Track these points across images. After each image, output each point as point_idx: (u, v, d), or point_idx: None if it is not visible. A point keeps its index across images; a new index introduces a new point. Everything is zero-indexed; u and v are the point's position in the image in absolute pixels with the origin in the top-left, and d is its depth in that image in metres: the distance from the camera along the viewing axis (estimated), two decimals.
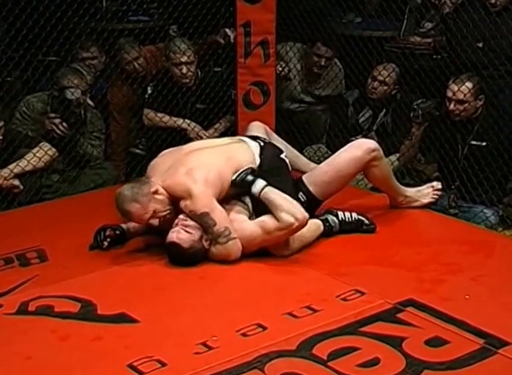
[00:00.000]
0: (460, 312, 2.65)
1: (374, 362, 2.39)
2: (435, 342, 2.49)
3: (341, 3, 4.40)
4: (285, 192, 3.07)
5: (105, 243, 3.16)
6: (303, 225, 3.00)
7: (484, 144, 3.74)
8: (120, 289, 2.89)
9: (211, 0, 4.14)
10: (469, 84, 3.67)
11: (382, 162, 3.34)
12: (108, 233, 3.18)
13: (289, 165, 3.29)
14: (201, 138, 4.20)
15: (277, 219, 2.97)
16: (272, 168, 3.17)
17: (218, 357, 2.42)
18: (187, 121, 4.25)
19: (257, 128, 3.53)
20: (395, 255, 3.13)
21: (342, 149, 3.33)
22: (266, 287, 2.89)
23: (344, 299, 2.77)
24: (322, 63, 4.48)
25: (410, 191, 3.51)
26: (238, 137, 3.38)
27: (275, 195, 3.02)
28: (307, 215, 3.01)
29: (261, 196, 3.02)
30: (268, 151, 3.24)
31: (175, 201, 3.03)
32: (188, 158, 3.11)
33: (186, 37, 4.24)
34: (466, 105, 3.70)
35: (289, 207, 2.98)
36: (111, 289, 2.89)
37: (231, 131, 4.28)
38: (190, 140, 4.20)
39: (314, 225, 3.19)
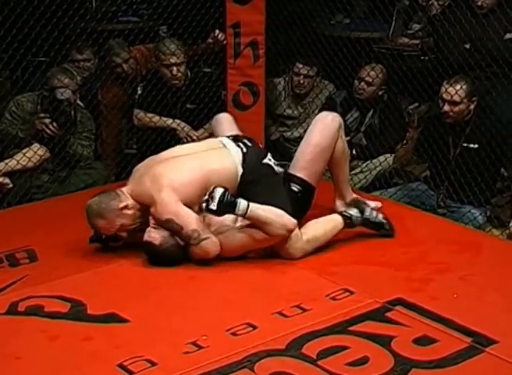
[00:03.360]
0: (448, 311, 2.67)
1: (363, 361, 2.41)
2: (423, 341, 2.51)
3: (329, 4, 4.42)
4: (273, 200, 3.02)
5: (103, 236, 3.20)
6: (292, 231, 3.00)
7: (474, 146, 3.75)
8: (110, 289, 2.89)
9: (200, 1, 4.15)
10: (463, 86, 3.68)
11: (343, 134, 3.32)
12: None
13: (274, 167, 3.19)
14: (191, 138, 4.21)
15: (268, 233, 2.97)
16: (255, 177, 3.10)
17: (208, 356, 2.43)
18: (177, 121, 4.26)
19: (229, 122, 3.42)
20: (384, 255, 3.15)
21: (309, 128, 3.31)
22: (256, 287, 2.91)
23: (333, 298, 2.79)
24: (301, 81, 4.46)
25: (356, 196, 3.48)
26: (220, 140, 3.23)
27: (260, 212, 2.96)
28: (295, 222, 3.01)
29: (247, 216, 2.95)
30: (251, 157, 3.12)
31: (146, 208, 3.03)
32: (159, 167, 3.06)
33: (175, 37, 4.25)
34: (460, 106, 3.71)
35: (278, 221, 2.97)
36: (101, 289, 2.89)
37: None
38: (179, 140, 4.21)
39: (331, 225, 3.17)
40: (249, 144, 3.19)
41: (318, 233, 3.12)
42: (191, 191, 2.99)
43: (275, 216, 2.98)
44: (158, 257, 3.02)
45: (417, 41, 4.47)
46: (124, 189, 3.10)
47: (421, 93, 4.03)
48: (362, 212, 3.22)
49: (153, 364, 2.40)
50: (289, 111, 4.60)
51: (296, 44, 4.42)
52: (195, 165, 3.06)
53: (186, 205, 2.97)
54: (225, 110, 4.21)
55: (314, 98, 4.53)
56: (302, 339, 2.51)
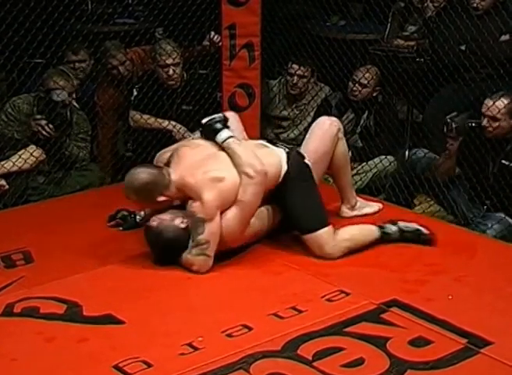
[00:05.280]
0: (444, 313, 2.68)
1: (358, 362, 2.41)
2: (418, 342, 2.52)
3: (325, 6, 4.43)
4: (312, 198, 3.11)
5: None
6: (263, 176, 3.00)
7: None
8: (106, 290, 2.89)
9: (196, 2, 4.16)
10: (504, 101, 3.53)
11: (343, 138, 3.35)
12: (111, 223, 3.36)
13: (311, 168, 3.20)
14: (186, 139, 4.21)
15: (240, 173, 2.99)
16: (298, 174, 3.14)
17: (204, 358, 2.44)
18: (173, 123, 4.26)
19: (233, 121, 3.36)
20: (379, 256, 3.15)
21: (309, 132, 3.35)
22: (252, 288, 2.91)
23: (329, 300, 2.80)
24: (294, 81, 4.45)
25: (358, 198, 3.51)
26: (261, 142, 3.30)
27: (236, 147, 3.04)
28: (266, 168, 3.02)
29: (224, 145, 3.06)
30: (294, 157, 3.18)
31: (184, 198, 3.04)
32: (212, 163, 3.05)
33: (171, 39, 4.25)
34: (500, 122, 3.55)
35: (248, 159, 3.00)
36: (97, 290, 2.89)
37: None
38: (175, 141, 4.21)
39: (367, 229, 3.22)
40: (288, 146, 3.28)
41: (354, 233, 3.16)
42: (232, 195, 2.98)
43: (248, 154, 3.03)
44: (154, 239, 3.00)
45: (412, 43, 4.48)
46: (174, 175, 3.02)
47: (417, 94, 4.04)
48: (395, 224, 3.23)
49: (149, 365, 2.41)
50: (285, 112, 4.62)
51: (292, 45, 4.43)
52: None
53: (222, 209, 2.96)
54: (221, 112, 4.22)
55: (310, 100, 4.54)
56: (298, 340, 2.52)
